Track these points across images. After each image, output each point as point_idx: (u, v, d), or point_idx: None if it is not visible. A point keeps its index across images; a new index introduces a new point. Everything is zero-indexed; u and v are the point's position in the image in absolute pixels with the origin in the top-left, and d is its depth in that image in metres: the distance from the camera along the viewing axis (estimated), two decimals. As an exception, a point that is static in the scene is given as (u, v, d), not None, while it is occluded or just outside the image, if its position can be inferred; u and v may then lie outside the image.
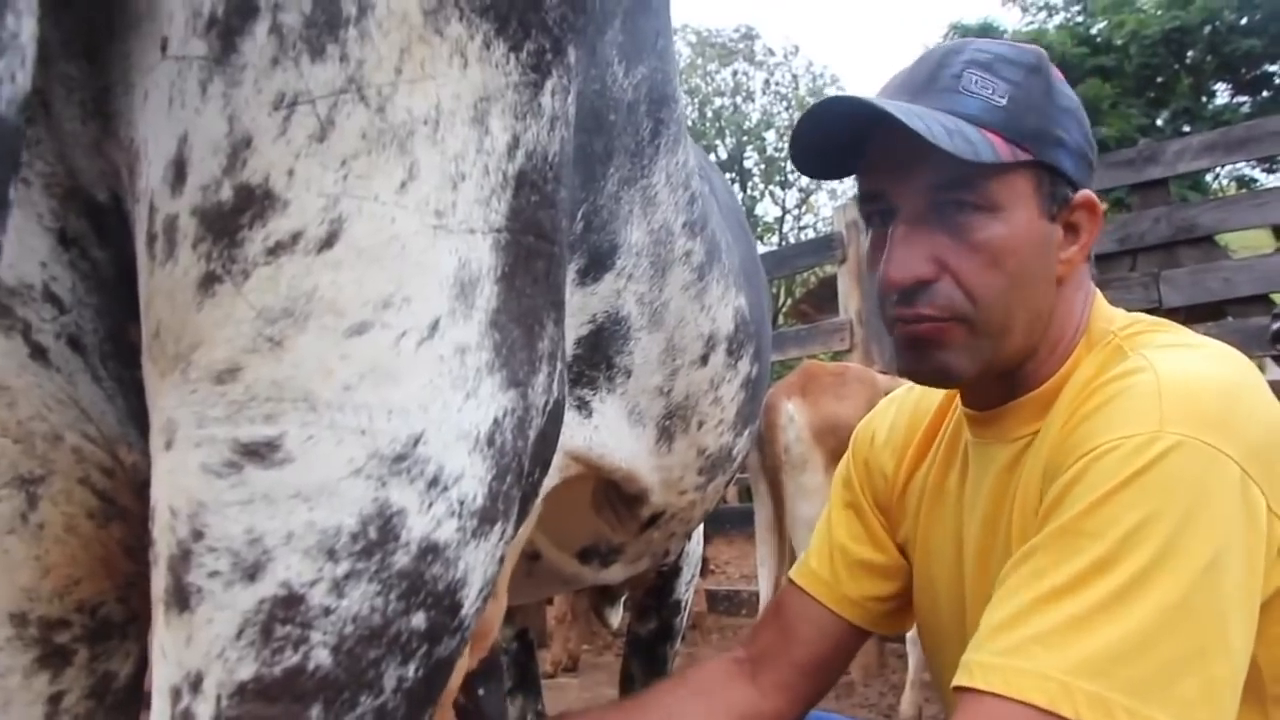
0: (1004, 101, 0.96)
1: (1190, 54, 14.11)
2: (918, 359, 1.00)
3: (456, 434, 0.61)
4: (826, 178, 1.12)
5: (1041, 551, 0.86)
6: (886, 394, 1.42)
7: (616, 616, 2.54)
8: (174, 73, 0.57)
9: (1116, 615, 0.79)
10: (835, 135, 1.01)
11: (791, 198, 23.69)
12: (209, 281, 0.57)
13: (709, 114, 23.15)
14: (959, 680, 0.85)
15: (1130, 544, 0.80)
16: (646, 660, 1.94)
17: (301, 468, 0.57)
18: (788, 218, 23.87)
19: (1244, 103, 14.38)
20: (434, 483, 0.60)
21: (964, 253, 0.95)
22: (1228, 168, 13.64)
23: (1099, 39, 14.54)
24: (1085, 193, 1.01)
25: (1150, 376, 0.88)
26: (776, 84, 24.24)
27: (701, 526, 1.81)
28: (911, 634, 3.43)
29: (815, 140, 1.02)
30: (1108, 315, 1.04)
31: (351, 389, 0.58)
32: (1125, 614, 0.79)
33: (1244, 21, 13.62)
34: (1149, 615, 0.78)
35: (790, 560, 3.56)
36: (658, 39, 0.96)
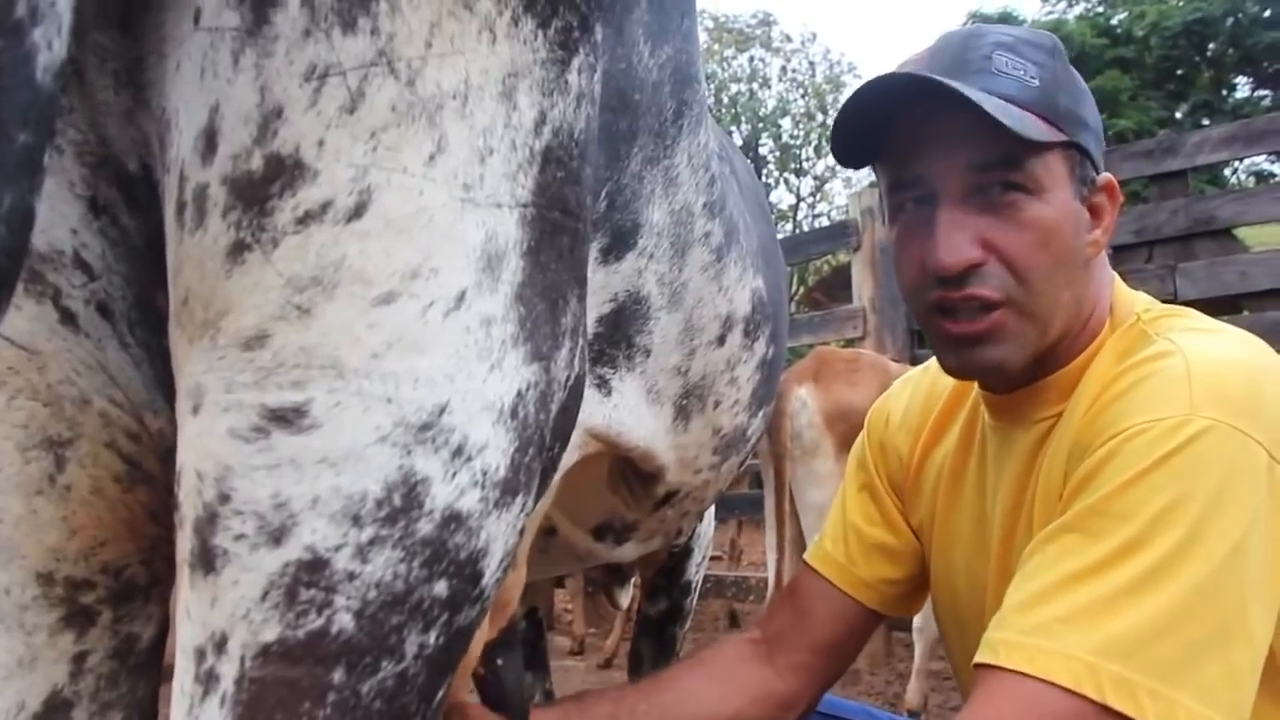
0: (1037, 82, 0.96)
1: (1211, 46, 14.02)
2: (969, 356, 0.99)
3: (481, 405, 0.62)
4: (861, 164, 1.09)
5: (1069, 531, 0.86)
6: (900, 381, 1.42)
7: (626, 597, 2.56)
8: (206, 43, 0.58)
9: (1144, 597, 0.79)
10: (873, 115, 1.00)
11: (806, 185, 23.66)
12: (238, 249, 0.58)
13: (725, 100, 23.10)
14: (981, 657, 0.85)
15: (1159, 527, 0.81)
16: (656, 640, 1.95)
17: (328, 434, 0.58)
18: (802, 205, 23.85)
19: (1265, 96, 14.29)
20: (458, 452, 0.61)
21: (1012, 234, 0.95)
22: (1246, 162, 13.54)
23: (1119, 30, 14.47)
24: (1106, 175, 1.01)
25: (1179, 360, 0.88)
26: (793, 71, 24.19)
27: (712, 510, 1.82)
28: (918, 623, 3.43)
29: (856, 124, 1.01)
30: (1129, 298, 1.04)
31: (379, 357, 0.59)
32: (1152, 596, 0.79)
33: (1267, 14, 13.51)
34: (1175, 598, 0.79)
35: (798, 546, 3.57)
36: (682, 20, 0.96)
